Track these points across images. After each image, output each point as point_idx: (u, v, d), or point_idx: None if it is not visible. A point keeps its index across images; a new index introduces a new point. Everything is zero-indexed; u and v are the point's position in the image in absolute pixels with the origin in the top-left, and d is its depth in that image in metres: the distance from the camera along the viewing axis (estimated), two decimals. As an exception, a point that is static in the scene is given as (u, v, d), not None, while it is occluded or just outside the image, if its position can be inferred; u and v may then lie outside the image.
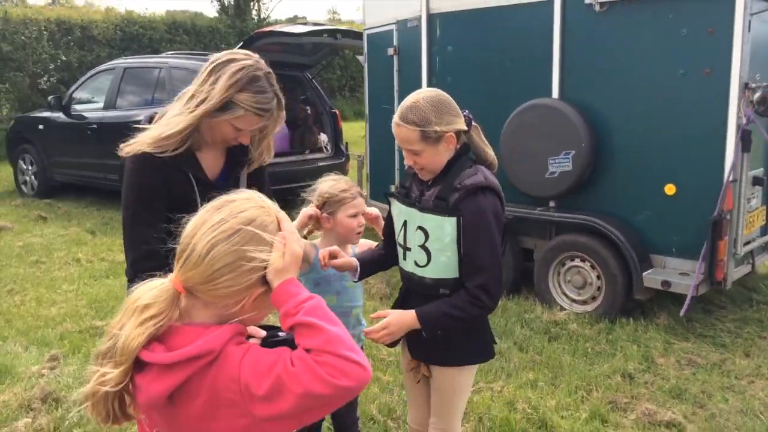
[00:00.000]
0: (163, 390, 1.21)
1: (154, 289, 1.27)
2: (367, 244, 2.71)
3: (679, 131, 4.31)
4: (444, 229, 2.10)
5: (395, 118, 2.13)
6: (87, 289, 5.37)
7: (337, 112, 8.97)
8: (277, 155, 8.24)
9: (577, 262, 4.74)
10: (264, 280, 1.27)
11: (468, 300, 2.07)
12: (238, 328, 1.28)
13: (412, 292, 2.28)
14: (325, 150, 8.66)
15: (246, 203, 1.30)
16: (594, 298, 4.69)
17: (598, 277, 4.63)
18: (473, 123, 2.20)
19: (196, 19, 18.55)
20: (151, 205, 1.93)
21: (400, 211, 2.26)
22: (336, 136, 8.80)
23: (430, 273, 2.17)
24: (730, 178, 4.09)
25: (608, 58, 4.58)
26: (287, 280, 1.26)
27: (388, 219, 2.40)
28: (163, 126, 1.95)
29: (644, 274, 4.36)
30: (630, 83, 4.50)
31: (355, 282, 2.55)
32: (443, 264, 2.12)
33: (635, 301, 4.60)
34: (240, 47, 7.58)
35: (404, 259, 2.26)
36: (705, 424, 3.26)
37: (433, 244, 2.13)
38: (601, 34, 4.58)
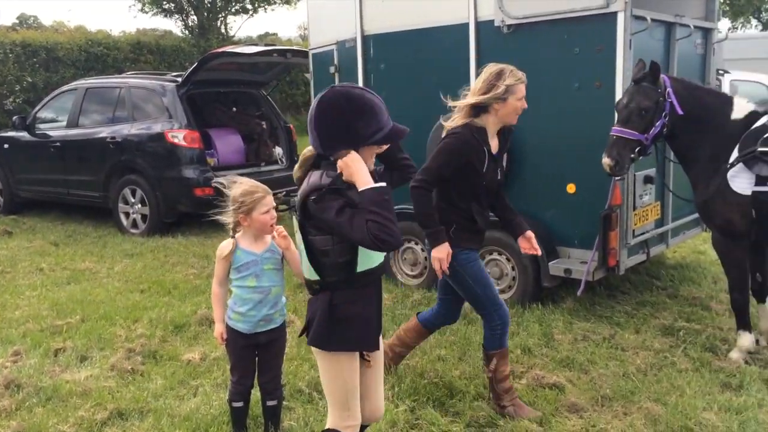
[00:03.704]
0: None
1: None
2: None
3: (576, 137, 4.88)
4: None
5: None
6: (49, 294, 5.78)
7: (292, 127, 9.48)
8: (232, 168, 8.72)
9: (495, 255, 5.29)
10: None
11: None
12: None
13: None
14: (280, 162, 9.15)
15: None
16: (510, 287, 5.23)
17: (513, 268, 5.18)
18: None
19: (161, 38, 18.98)
20: None
21: None
22: (291, 149, 9.30)
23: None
24: (617, 177, 4.66)
25: (516, 73, 5.15)
26: None
27: None
28: None
29: (550, 263, 4.92)
30: (535, 95, 4.99)
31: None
32: None
33: (547, 289, 5.15)
34: (195, 67, 8.09)
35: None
36: (584, 386, 3.81)
37: None
38: (509, 52, 5.13)
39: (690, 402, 3.57)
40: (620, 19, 4.58)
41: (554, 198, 5.04)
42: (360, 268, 2.40)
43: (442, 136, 3.49)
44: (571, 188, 4.95)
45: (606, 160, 4.14)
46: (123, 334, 4.79)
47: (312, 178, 2.36)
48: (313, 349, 2.51)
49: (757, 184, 3.91)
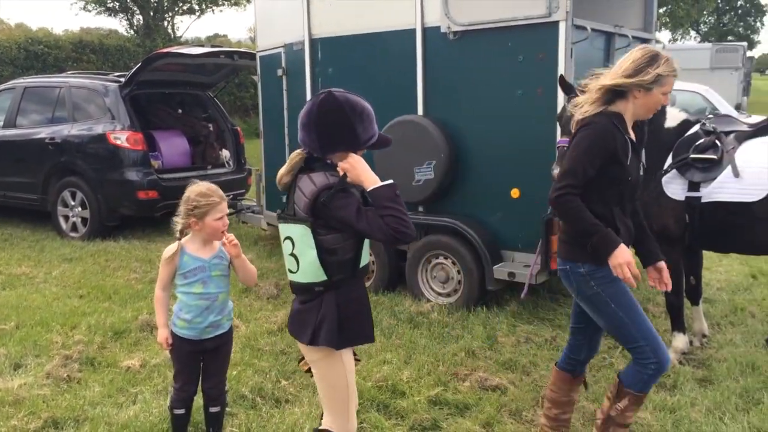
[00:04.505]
0: None
1: None
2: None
3: (520, 143, 4.98)
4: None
5: None
6: (-18, 300, 5.55)
7: (239, 129, 9.37)
8: (178, 170, 8.55)
9: (441, 259, 5.34)
10: None
11: None
12: None
13: None
14: (227, 165, 9.03)
15: None
16: (456, 291, 5.29)
17: (459, 272, 5.24)
18: None
19: (105, 38, 18.50)
20: None
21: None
22: (238, 152, 9.19)
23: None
24: (559, 182, 4.76)
25: (462, 79, 5.22)
26: None
27: None
28: None
29: (494, 267, 5.00)
30: (480, 101, 5.15)
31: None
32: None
33: (491, 293, 5.22)
34: (139, 67, 7.91)
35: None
36: (526, 387, 3.88)
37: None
38: (456, 58, 5.22)
39: (627, 401, 3.66)
40: (561, 28, 4.69)
41: (499, 202, 5.12)
42: (361, 264, 2.49)
43: (572, 128, 2.96)
44: (515, 193, 5.03)
45: (557, 171, 4.22)
46: (60, 340, 4.64)
47: (317, 178, 2.39)
48: (313, 355, 2.49)
49: (689, 189, 4.06)
